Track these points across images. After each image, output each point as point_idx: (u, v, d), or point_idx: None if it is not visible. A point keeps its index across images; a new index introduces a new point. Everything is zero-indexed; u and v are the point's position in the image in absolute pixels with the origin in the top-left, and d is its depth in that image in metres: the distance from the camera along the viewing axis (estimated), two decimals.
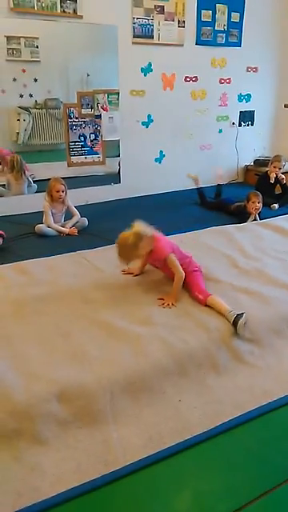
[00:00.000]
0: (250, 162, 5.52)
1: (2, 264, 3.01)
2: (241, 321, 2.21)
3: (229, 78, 5.04)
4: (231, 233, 3.57)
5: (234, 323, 2.22)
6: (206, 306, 2.42)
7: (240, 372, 2.07)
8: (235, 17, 4.80)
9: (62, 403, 1.78)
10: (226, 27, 4.78)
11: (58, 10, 3.83)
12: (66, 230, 3.62)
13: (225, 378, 2.03)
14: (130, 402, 1.86)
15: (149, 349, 2.07)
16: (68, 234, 3.61)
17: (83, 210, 3.89)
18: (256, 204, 3.89)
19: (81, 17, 3.93)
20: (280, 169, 4.44)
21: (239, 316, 2.24)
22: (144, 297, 2.58)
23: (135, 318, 2.35)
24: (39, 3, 3.74)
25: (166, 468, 1.60)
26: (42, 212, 3.66)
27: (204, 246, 3.28)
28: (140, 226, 2.52)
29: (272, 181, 4.45)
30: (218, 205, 4.35)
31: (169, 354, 2.05)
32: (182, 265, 2.56)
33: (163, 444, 1.69)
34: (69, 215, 3.77)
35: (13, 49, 3.92)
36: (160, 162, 4.92)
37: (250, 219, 3.93)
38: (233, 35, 4.86)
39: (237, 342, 2.19)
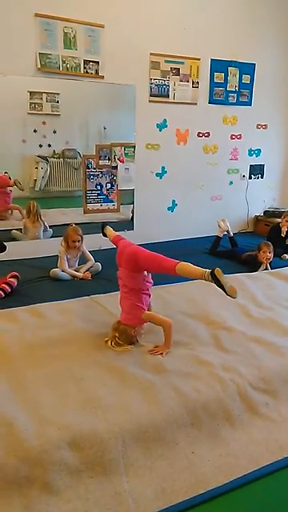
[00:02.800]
0: (259, 212, 5.66)
1: (17, 306, 3.05)
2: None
3: (239, 134, 5.29)
4: (243, 281, 3.60)
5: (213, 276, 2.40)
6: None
7: (254, 424, 2.03)
8: (246, 79, 5.11)
9: (73, 451, 1.75)
10: (237, 88, 5.08)
11: (82, 71, 4.13)
12: (80, 274, 3.69)
13: (239, 430, 1.99)
14: (142, 452, 1.83)
15: (161, 397, 2.05)
16: (82, 279, 3.67)
17: (97, 255, 3.97)
18: (267, 254, 3.95)
19: (102, 77, 4.22)
20: None
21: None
22: (156, 343, 2.58)
23: (147, 365, 2.34)
24: (64, 64, 4.04)
25: None
26: (56, 256, 3.75)
27: (216, 294, 3.29)
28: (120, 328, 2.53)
29: (283, 234, 4.53)
30: (228, 253, 4.41)
31: (182, 403, 2.02)
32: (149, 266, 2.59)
33: (176, 498, 1.64)
34: (83, 260, 3.85)
35: (35, 103, 4.20)
36: (172, 211, 5.07)
37: (261, 268, 3.97)
38: (244, 95, 5.16)
39: (251, 392, 2.16)
